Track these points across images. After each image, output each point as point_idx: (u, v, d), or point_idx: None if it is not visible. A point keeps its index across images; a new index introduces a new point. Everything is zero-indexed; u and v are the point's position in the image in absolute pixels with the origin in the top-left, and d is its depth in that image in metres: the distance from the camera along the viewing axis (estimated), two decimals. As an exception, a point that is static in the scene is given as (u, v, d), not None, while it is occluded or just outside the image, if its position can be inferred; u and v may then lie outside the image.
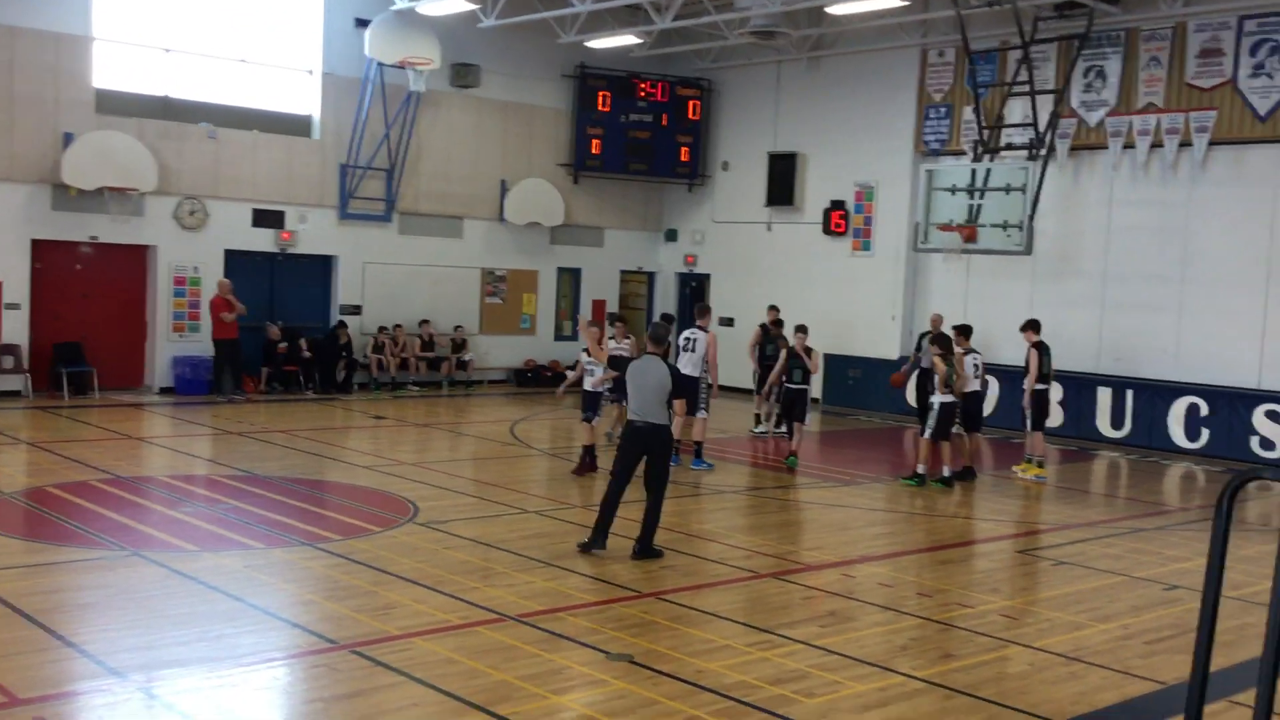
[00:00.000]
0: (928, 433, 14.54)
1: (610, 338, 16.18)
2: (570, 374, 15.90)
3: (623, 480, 10.25)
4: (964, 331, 15.61)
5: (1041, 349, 15.33)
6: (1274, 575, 3.78)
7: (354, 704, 6.46)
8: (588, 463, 14.09)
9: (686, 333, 15.63)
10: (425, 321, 22.83)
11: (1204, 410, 18.20)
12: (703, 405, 15.54)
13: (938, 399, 14.45)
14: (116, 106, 19.67)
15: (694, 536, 11.03)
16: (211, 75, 20.85)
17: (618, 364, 14.47)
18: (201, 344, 20.49)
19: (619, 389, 15.98)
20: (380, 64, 21.43)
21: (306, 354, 21.30)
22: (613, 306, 25.99)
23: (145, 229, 19.97)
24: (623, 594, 8.93)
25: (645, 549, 10.04)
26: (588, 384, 14.38)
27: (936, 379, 14.61)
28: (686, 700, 6.68)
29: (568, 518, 11.74)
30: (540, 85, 24.35)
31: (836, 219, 23.08)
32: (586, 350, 14.45)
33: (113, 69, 19.73)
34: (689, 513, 12.36)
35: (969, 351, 15.29)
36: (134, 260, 20.29)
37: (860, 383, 22.54)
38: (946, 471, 14.49)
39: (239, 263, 20.96)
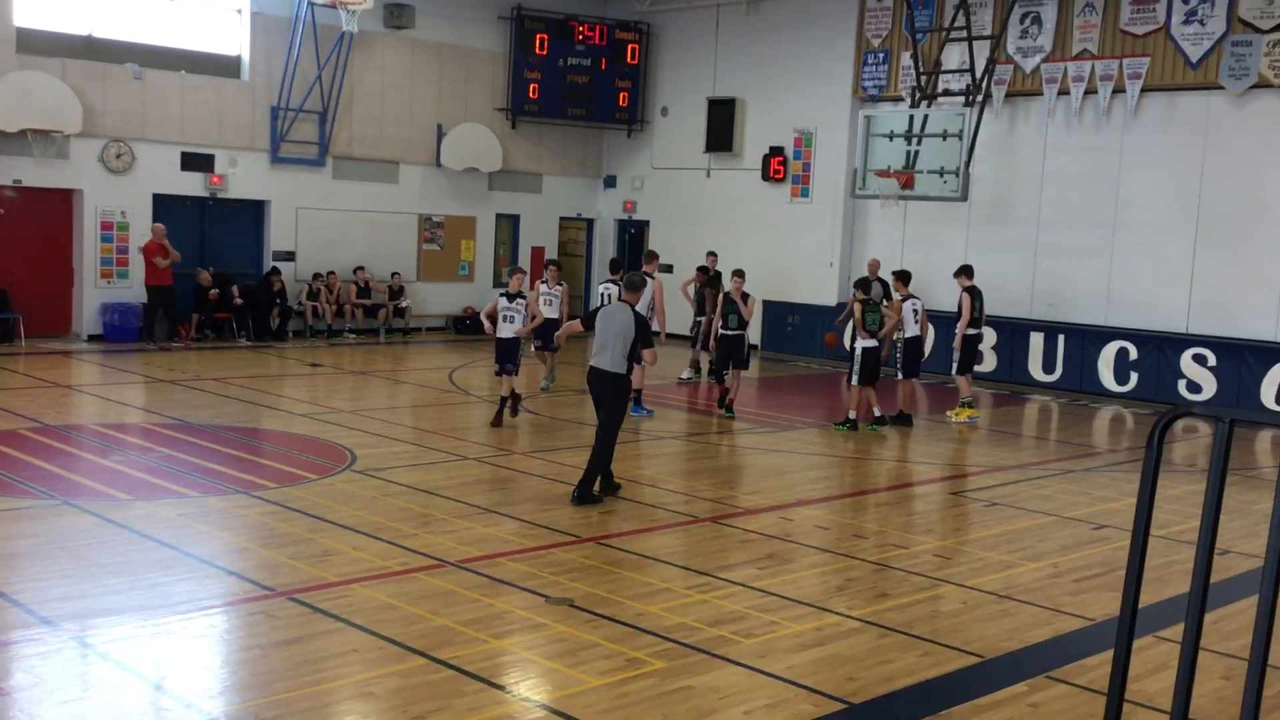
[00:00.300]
0: (854, 379, 14.67)
1: (542, 282, 16.17)
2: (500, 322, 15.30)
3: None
4: (903, 277, 15.70)
5: (974, 294, 15.58)
6: (1202, 514, 3.86)
7: (292, 650, 6.43)
8: (505, 411, 13.82)
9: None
10: (360, 268, 22.55)
11: (1133, 354, 18.55)
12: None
13: (860, 344, 14.53)
14: (38, 46, 19.08)
15: (633, 482, 11.07)
16: (137, 13, 20.27)
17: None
18: (131, 290, 20.09)
19: (543, 337, 15.97)
20: (311, 3, 20.95)
21: (238, 301, 20.94)
22: (552, 253, 25.84)
23: (70, 172, 19.47)
24: (562, 539, 8.95)
25: (584, 494, 10.06)
26: (506, 331, 13.77)
27: (853, 323, 14.73)
28: (626, 643, 6.72)
29: (507, 464, 11.72)
30: (476, 27, 23.97)
31: (775, 165, 23.08)
32: (507, 295, 13.92)
33: (34, 7, 19.12)
34: (629, 458, 12.38)
35: (908, 297, 15.40)
36: (59, 204, 19.79)
37: (799, 329, 22.68)
38: (877, 412, 14.62)
39: (168, 208, 20.52)
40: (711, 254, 19.19)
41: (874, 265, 19.03)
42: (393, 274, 23.15)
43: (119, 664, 6.17)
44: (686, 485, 11.22)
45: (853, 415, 14.62)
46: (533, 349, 16.17)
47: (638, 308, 15.30)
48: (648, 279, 15.17)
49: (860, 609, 7.58)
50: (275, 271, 21.52)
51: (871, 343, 14.50)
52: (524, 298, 14.27)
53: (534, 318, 14.32)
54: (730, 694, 6.08)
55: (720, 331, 15.14)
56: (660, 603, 7.49)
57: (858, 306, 14.58)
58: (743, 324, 15.15)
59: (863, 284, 15.05)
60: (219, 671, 6.21)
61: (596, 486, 10.20)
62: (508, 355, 13.77)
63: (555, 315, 15.94)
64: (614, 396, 10.19)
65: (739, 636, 6.92)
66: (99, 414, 13.89)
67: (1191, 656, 3.86)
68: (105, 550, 8.17)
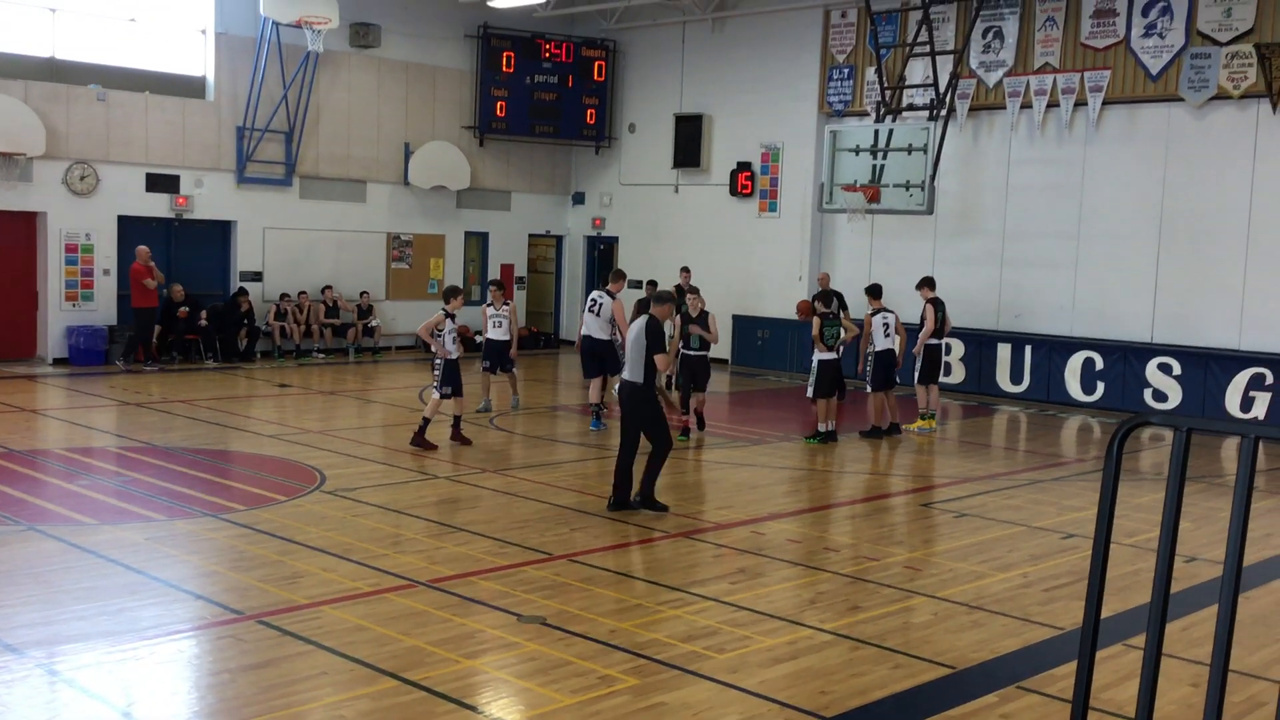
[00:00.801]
0: (810, 391, 14.79)
1: (488, 304, 15.93)
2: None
3: (624, 438, 10.57)
4: (873, 291, 15.81)
5: (937, 305, 15.77)
6: (1161, 522, 3.91)
7: (262, 674, 6.38)
8: (453, 434, 13.55)
9: (593, 294, 15.60)
10: (328, 288, 22.46)
11: (1099, 364, 18.72)
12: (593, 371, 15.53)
13: (817, 356, 14.63)
14: (1, 68, 18.93)
15: (604, 498, 11.05)
16: (100, 35, 20.17)
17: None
18: (97, 313, 19.95)
19: (491, 359, 15.75)
20: (276, 23, 20.90)
21: (203, 323, 20.70)
22: (521, 271, 25.85)
23: (33, 195, 19.32)
24: (534, 557, 8.93)
25: (644, 499, 10.49)
26: (448, 351, 13.28)
27: (811, 336, 14.83)
28: (599, 660, 6.71)
29: (477, 482, 11.69)
30: (443, 45, 23.99)
31: (743, 180, 23.18)
32: (448, 314, 13.33)
33: (-6, 28, 19.01)
34: (598, 475, 12.38)
35: (879, 310, 15.51)
36: (23, 227, 19.63)
37: (768, 343, 22.76)
38: (821, 427, 14.67)
39: (133, 229, 20.38)
40: (685, 270, 19.21)
41: (824, 279, 19.17)
42: (361, 293, 23.07)
43: (86, 691, 6.11)
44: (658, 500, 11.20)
45: (823, 428, 14.67)
46: (481, 369, 16.01)
47: (601, 325, 15.45)
48: (606, 296, 15.15)
49: (832, 622, 7.60)
50: (242, 292, 21.39)
51: (829, 355, 14.57)
52: (500, 309, 14.47)
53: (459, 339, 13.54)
54: (703, 710, 6.08)
55: (682, 353, 14.69)
56: (632, 619, 7.49)
57: (816, 320, 14.67)
58: (705, 343, 14.71)
59: (823, 297, 15.15)
60: (188, 697, 6.16)
61: (633, 493, 10.53)
62: (449, 379, 13.31)
63: (505, 336, 15.75)
64: (637, 407, 10.43)
65: (711, 652, 6.92)
66: (65, 438, 13.76)
67: (1154, 664, 3.90)
68: (71, 576, 8.09)
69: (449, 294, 13.58)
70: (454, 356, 13.32)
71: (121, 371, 19.13)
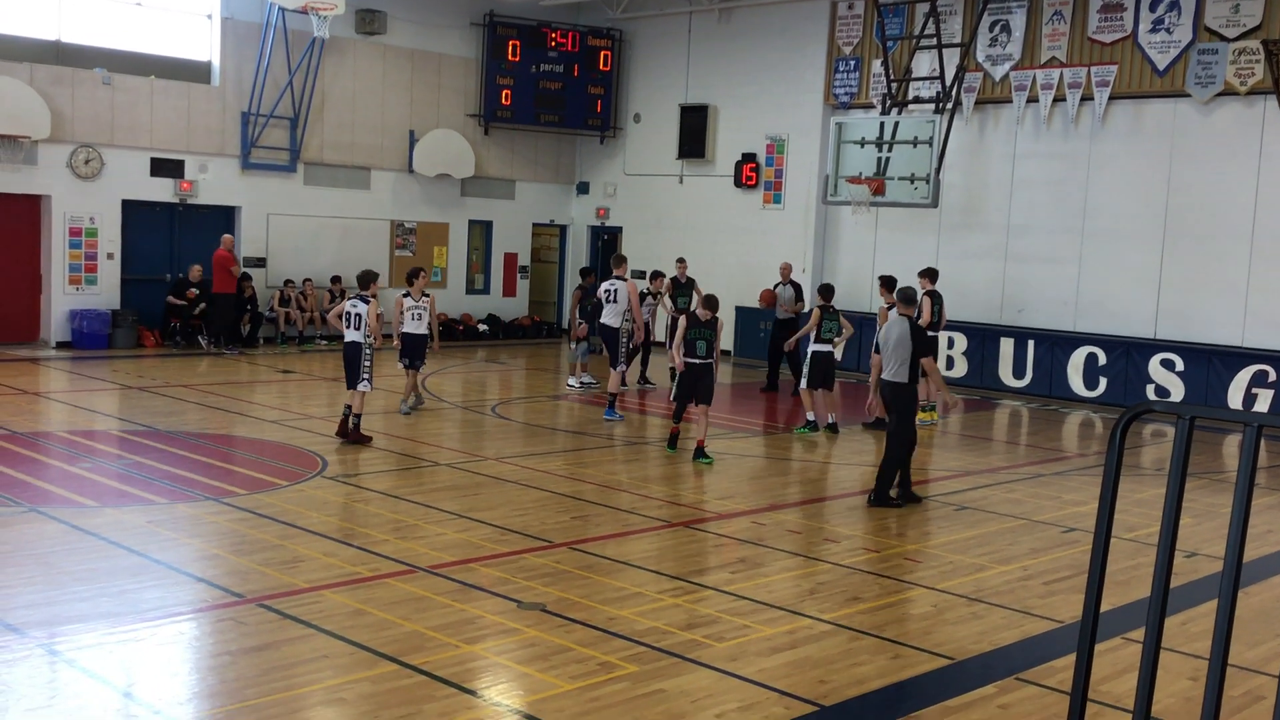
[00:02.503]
0: (804, 381, 14.90)
1: (405, 295, 14.76)
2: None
3: (903, 435, 10.86)
4: (888, 284, 15.78)
5: (935, 297, 15.77)
6: (1164, 509, 3.91)
7: (262, 656, 6.39)
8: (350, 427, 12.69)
9: (606, 284, 15.61)
10: (338, 278, 22.33)
11: (1102, 360, 18.70)
12: (622, 358, 15.57)
13: (812, 347, 14.80)
14: (6, 51, 18.91)
15: (606, 487, 11.07)
16: (105, 19, 20.14)
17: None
18: (100, 297, 19.97)
19: (410, 355, 14.60)
20: (282, 9, 20.85)
21: (200, 306, 20.61)
22: (524, 260, 25.83)
23: (38, 178, 19.31)
24: (535, 544, 8.94)
25: (904, 495, 10.89)
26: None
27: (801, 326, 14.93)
28: (598, 647, 6.72)
29: (478, 469, 11.70)
30: (448, 33, 23.95)
31: (748, 172, 23.14)
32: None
33: (1, 11, 18.95)
34: (601, 463, 12.40)
35: (894, 304, 15.46)
36: (27, 210, 19.62)
37: (771, 335, 22.68)
38: (810, 416, 14.80)
39: (137, 213, 20.39)
40: (680, 260, 19.20)
41: (786, 269, 19.22)
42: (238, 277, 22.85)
43: (87, 671, 6.12)
44: (660, 490, 11.23)
45: (810, 417, 14.72)
46: (400, 366, 14.98)
47: (617, 313, 15.48)
48: (619, 282, 15.17)
49: (832, 612, 7.61)
50: (246, 278, 21.38)
51: (824, 348, 14.71)
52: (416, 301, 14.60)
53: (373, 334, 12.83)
54: (702, 697, 6.09)
55: (685, 361, 12.77)
56: (632, 607, 7.50)
57: (816, 313, 14.78)
58: (711, 352, 12.86)
59: (825, 291, 15.23)
60: (188, 678, 6.18)
61: (893, 491, 10.79)
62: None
63: (423, 330, 14.69)
64: (900, 405, 10.78)
65: (711, 640, 6.93)
66: (67, 421, 13.78)
67: (1153, 657, 3.91)
68: (73, 557, 8.10)
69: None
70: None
71: (221, 354, 19.91)
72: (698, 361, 12.76)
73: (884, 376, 10.94)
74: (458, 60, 24.18)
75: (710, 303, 12.91)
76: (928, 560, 9.11)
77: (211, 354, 19.91)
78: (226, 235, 20.51)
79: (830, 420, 14.79)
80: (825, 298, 15.03)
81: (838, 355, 15.61)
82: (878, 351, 11.40)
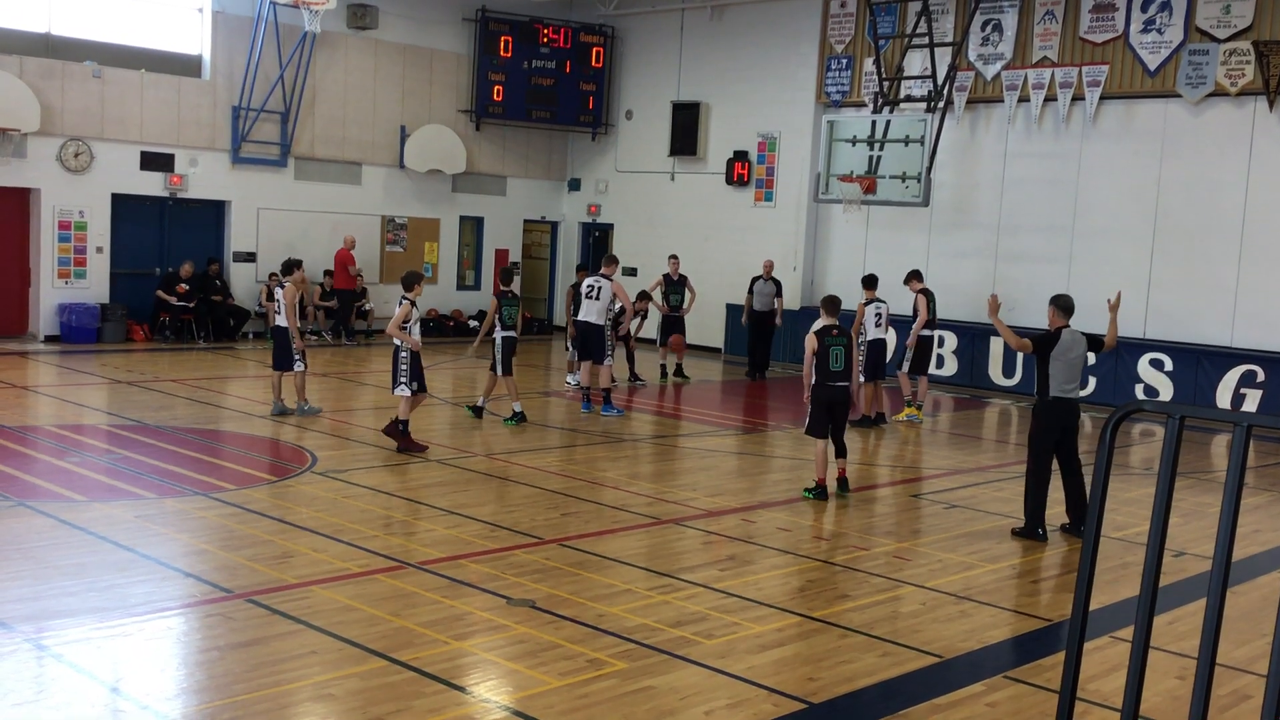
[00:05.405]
0: (906, 367, 15.91)
1: (412, 304, 13.13)
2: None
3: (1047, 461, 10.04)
4: (868, 282, 15.87)
5: (928, 296, 15.85)
6: (1153, 507, 3.92)
7: (251, 652, 6.38)
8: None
9: (590, 280, 15.59)
10: (329, 272, 22.33)
11: (1091, 359, 18.68)
12: (609, 353, 15.58)
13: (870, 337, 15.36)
14: (-6, 42, 18.87)
15: (596, 484, 11.07)
16: (96, 11, 20.06)
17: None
18: (89, 291, 19.91)
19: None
20: (273, 3, 20.79)
21: (183, 302, 20.56)
22: (515, 256, 25.80)
23: (27, 171, 19.24)
24: (524, 541, 8.93)
25: (1074, 523, 10.04)
26: (416, 341, 12.32)
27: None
28: (588, 643, 6.72)
29: (468, 466, 11.69)
30: (440, 29, 23.90)
31: (739, 169, 23.15)
32: (412, 303, 12.32)
33: (-10, 3, 18.92)
34: (592, 460, 12.39)
35: (872, 301, 15.55)
36: (16, 204, 19.55)
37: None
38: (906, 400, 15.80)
39: (127, 207, 20.33)
40: (673, 257, 19.20)
41: (768, 266, 19.44)
42: (355, 275, 22.97)
43: (74, 666, 6.10)
44: (649, 487, 11.23)
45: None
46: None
47: (599, 310, 15.47)
48: (604, 280, 15.18)
49: (821, 610, 7.62)
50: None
51: (879, 335, 15.37)
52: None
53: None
54: (691, 694, 6.10)
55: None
56: (622, 604, 7.50)
57: (924, 299, 15.63)
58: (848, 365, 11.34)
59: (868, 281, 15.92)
60: (176, 673, 6.16)
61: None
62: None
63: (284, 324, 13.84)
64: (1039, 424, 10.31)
65: (700, 637, 6.94)
66: (55, 415, 13.73)
67: (1141, 655, 3.92)
68: (61, 552, 8.08)
69: (410, 281, 12.42)
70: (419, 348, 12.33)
71: (346, 344, 21.39)
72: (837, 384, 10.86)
73: (1065, 393, 10.39)
74: (449, 56, 24.14)
75: (830, 306, 11.08)
76: (917, 558, 9.12)
77: (330, 345, 21.33)
78: (348, 235, 22.10)
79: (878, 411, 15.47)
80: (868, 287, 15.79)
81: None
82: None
